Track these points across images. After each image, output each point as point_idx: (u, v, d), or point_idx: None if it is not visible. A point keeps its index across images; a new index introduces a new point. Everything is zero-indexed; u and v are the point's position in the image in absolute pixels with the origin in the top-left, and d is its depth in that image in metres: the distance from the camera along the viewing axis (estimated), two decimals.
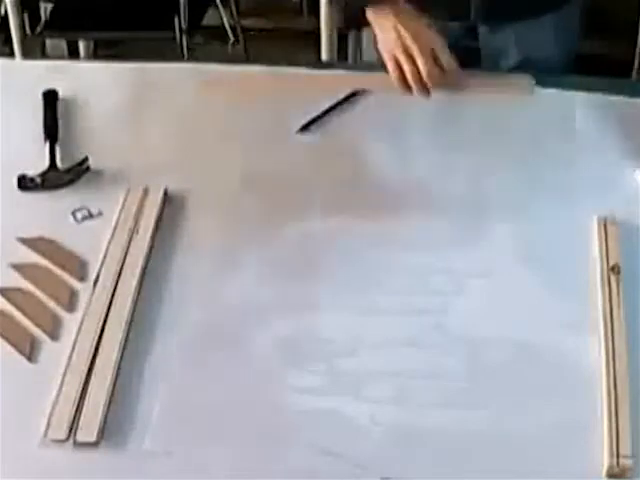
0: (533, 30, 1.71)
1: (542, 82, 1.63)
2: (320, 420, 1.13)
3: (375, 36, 1.48)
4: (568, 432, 1.11)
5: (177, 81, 1.66)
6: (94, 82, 1.66)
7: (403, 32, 1.42)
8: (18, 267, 1.31)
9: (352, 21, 1.51)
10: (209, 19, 3.18)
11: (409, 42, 1.40)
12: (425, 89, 1.40)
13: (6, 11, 2.95)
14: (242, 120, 1.56)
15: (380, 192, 1.42)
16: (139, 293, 1.27)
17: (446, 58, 1.43)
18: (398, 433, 1.11)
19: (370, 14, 1.48)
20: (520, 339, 1.21)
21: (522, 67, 1.73)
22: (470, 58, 1.65)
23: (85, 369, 1.17)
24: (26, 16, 2.94)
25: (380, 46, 1.43)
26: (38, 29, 2.97)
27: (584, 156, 1.47)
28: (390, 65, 1.41)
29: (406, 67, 1.40)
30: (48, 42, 3.16)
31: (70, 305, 1.26)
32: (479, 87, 1.43)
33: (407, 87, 1.41)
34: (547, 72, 1.71)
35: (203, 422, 1.13)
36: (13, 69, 1.77)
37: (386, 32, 1.44)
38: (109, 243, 1.34)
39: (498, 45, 1.76)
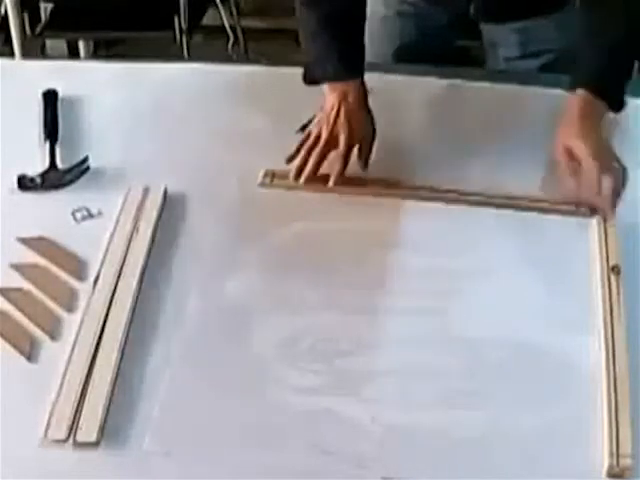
0: (535, 26, 1.71)
1: (542, 82, 1.64)
2: (320, 420, 1.13)
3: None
4: (568, 432, 1.11)
5: (177, 81, 1.66)
6: (94, 82, 1.67)
7: (337, 115, 1.42)
8: (18, 267, 1.31)
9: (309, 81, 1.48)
10: (209, 19, 3.18)
11: (338, 126, 1.41)
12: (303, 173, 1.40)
13: (6, 11, 2.96)
14: (242, 120, 1.56)
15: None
16: (139, 293, 1.27)
17: (365, 158, 1.43)
18: (398, 433, 1.11)
19: (325, 85, 1.47)
20: (520, 339, 1.21)
21: (523, 58, 1.74)
22: (466, 58, 1.64)
23: (85, 369, 1.17)
24: (26, 16, 2.95)
25: (317, 115, 1.45)
26: (38, 29, 2.97)
27: None
28: (303, 137, 1.42)
29: (310, 147, 1.41)
30: (48, 42, 3.16)
31: (70, 305, 1.26)
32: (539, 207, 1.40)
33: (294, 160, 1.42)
34: (548, 65, 1.71)
35: (203, 422, 1.13)
36: (13, 69, 1.77)
37: (324, 108, 1.44)
38: (109, 243, 1.34)
39: (499, 37, 1.77)
